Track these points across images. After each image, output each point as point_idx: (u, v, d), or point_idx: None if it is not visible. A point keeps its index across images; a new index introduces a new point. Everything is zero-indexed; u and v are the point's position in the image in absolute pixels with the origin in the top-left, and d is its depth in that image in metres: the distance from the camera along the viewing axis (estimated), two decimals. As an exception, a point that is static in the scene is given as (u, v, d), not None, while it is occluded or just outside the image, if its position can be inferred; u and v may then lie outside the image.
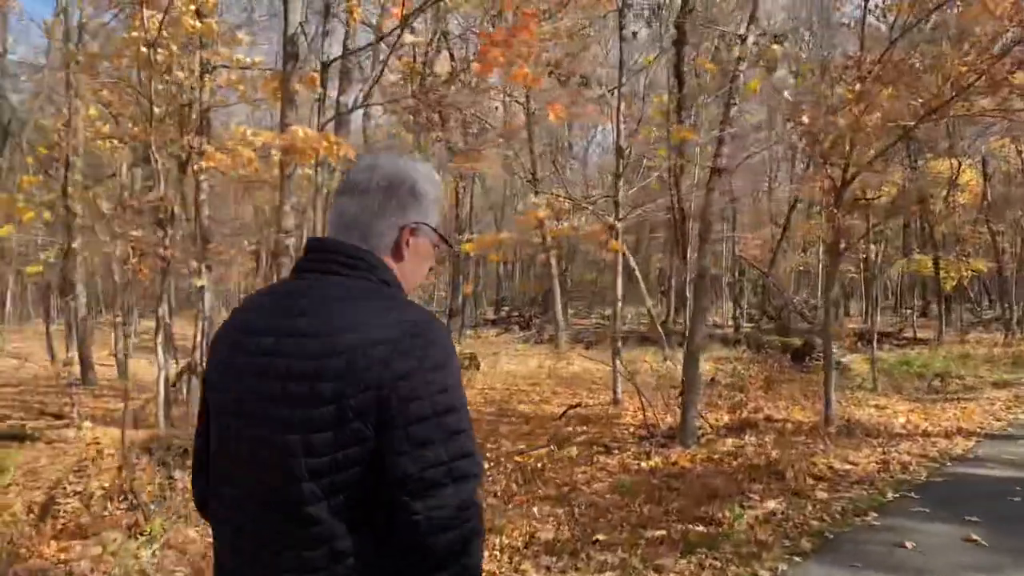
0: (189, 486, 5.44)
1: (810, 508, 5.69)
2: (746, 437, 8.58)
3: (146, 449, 5.71)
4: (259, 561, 1.29)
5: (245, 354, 1.33)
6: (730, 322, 27.00)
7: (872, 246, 23.67)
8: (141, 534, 4.67)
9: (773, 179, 30.63)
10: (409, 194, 1.42)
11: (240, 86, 9.31)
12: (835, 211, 8.01)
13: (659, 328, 15.59)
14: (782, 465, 6.83)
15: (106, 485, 5.40)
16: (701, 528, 5.35)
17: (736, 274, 28.14)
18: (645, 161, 14.96)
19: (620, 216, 11.36)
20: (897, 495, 5.95)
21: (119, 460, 5.44)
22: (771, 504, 5.84)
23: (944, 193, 22.26)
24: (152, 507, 4.96)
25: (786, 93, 7.64)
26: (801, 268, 32.12)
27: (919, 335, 21.94)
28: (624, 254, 13.15)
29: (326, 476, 1.23)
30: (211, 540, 1.48)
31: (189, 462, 5.76)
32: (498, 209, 35.49)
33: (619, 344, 11.58)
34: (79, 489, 5.52)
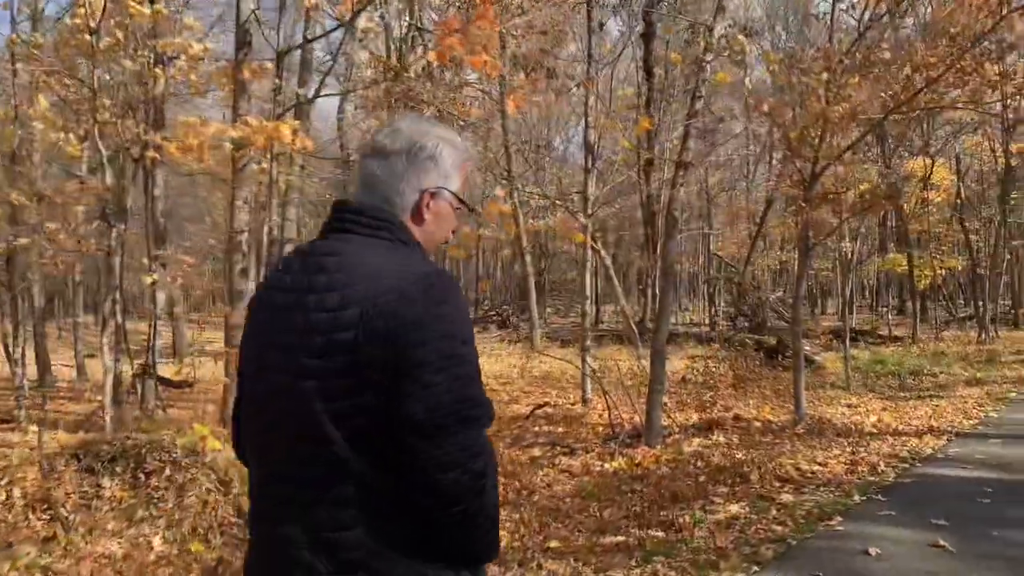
0: (117, 493, 5.10)
1: (774, 512, 5.46)
2: (713, 437, 8.36)
3: (75, 455, 5.38)
4: (295, 500, 1.34)
5: (270, 309, 1.42)
6: (707, 320, 26.87)
7: (847, 243, 23.64)
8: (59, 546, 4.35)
9: (750, 177, 30.61)
10: (429, 158, 1.48)
11: (192, 76, 8.96)
12: (803, 205, 7.81)
13: (633, 326, 15.38)
14: (748, 466, 6.62)
15: (30, 492, 5.07)
16: (661, 534, 5.11)
17: (712, 272, 28.02)
18: (620, 157, 14.75)
19: (589, 212, 11.12)
20: (864, 497, 5.74)
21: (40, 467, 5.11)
22: (734, 508, 5.61)
23: (918, 191, 22.27)
24: (73, 518, 4.63)
25: (747, 81, 7.39)
26: (778, 266, 32.10)
27: (894, 333, 21.89)
28: (599, 252, 12.92)
29: (348, 419, 1.29)
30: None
31: (119, 468, 5.41)
32: (477, 204, 35.18)
33: (588, 342, 11.35)
34: (2, 498, 5.18)
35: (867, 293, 39.78)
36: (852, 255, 24.14)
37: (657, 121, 10.34)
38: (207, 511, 4.89)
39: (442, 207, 1.51)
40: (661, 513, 5.56)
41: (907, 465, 6.78)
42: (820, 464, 6.88)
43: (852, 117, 7.39)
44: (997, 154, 22.65)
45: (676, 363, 16.52)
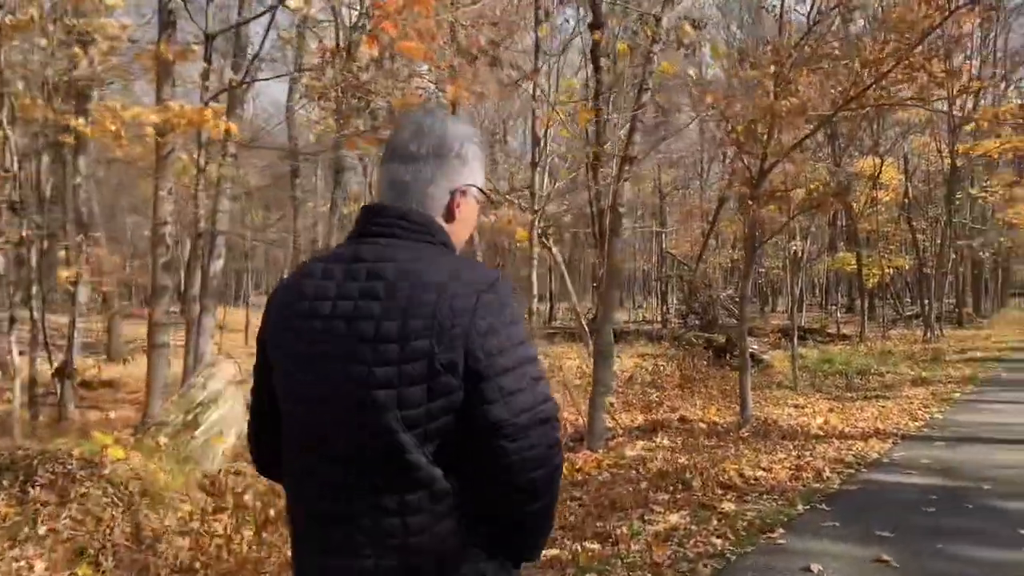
0: (2, 509, 4.62)
1: (715, 522, 5.21)
2: (658, 439, 8.14)
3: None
4: (354, 508, 1.35)
5: (320, 318, 1.38)
6: (659, 318, 26.84)
7: (797, 242, 23.76)
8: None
9: (704, 176, 30.68)
10: (457, 158, 1.47)
11: (113, 58, 8.45)
12: (750, 203, 7.60)
13: (584, 324, 15.16)
14: (690, 472, 6.37)
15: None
16: (596, 546, 4.81)
17: (664, 269, 28.00)
18: (568, 152, 14.51)
19: (536, 208, 10.81)
20: (808, 507, 5.52)
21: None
22: (674, 518, 5.35)
23: (867, 190, 22.46)
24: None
25: (691, 71, 7.15)
26: (730, 264, 32.26)
27: (843, 331, 22.06)
28: (549, 248, 12.63)
29: (420, 426, 1.31)
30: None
31: (6, 482, 4.93)
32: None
33: (535, 341, 11.04)
34: None
35: (817, 291, 40.29)
36: (803, 254, 24.33)
37: (606, 115, 10.05)
38: (101, 529, 4.46)
39: (471, 205, 1.52)
40: (598, 524, 5.27)
41: (852, 471, 6.61)
42: (764, 469, 6.67)
43: (801, 112, 7.20)
44: (944, 155, 22.95)
45: (626, 361, 16.36)
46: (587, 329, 14.66)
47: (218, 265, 9.84)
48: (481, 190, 1.53)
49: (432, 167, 1.45)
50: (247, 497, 5.39)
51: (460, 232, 1.51)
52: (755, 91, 7.18)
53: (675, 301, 29.58)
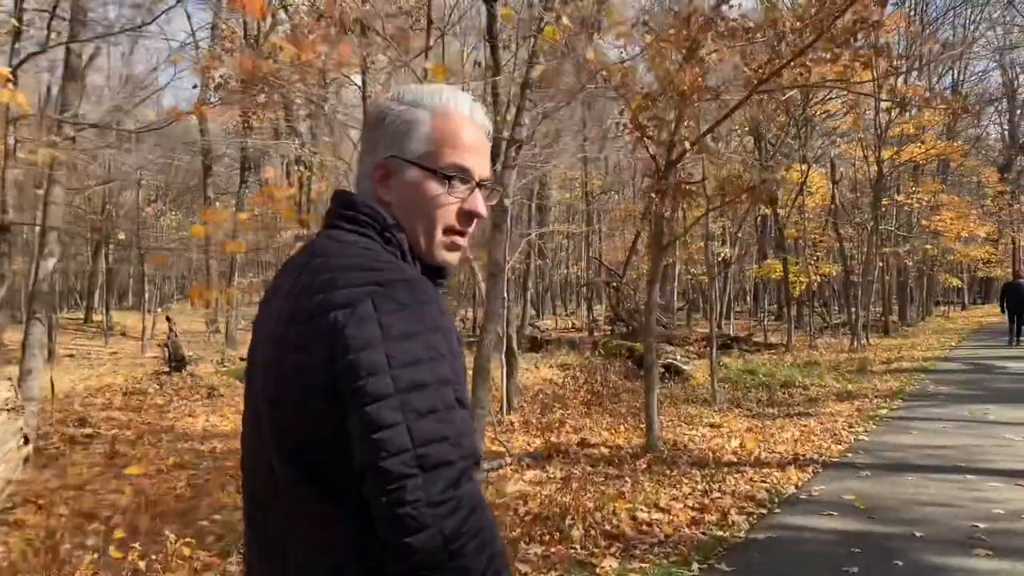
0: None
1: (588, 591, 4.12)
2: (550, 469, 7.04)
3: None
4: (268, 532, 1.17)
5: (257, 323, 1.25)
6: (584, 325, 25.93)
7: (723, 247, 23.12)
8: None
9: (635, 178, 30.00)
10: (382, 125, 1.23)
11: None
12: (653, 196, 6.57)
13: (498, 333, 14.07)
14: (572, 517, 5.26)
15: None
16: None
17: (591, 275, 27.12)
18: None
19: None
20: (705, 565, 4.45)
21: None
22: (540, 583, 4.24)
23: (793, 196, 21.96)
24: None
25: (589, 52, 6.09)
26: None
27: (771, 340, 21.44)
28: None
29: (300, 456, 1.09)
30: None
31: None
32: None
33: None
34: None
35: (748, 298, 40.04)
36: (731, 260, 23.70)
37: (507, 97, 8.95)
38: None
39: (406, 181, 1.21)
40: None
41: (764, 510, 5.59)
42: (663, 509, 5.60)
43: (706, 87, 6.19)
44: (870, 161, 22.61)
45: (544, 371, 15.31)
46: (502, 338, 13.57)
47: (49, 265, 8.37)
48: (418, 164, 1.20)
49: (367, 135, 1.27)
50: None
51: (403, 215, 1.21)
52: (655, 61, 6.16)
53: (604, 308, 28.75)
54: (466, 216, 1.23)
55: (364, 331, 1.03)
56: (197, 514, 5.65)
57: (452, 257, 1.25)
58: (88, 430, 8.90)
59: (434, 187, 1.20)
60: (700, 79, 5.84)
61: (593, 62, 6.05)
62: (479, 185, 1.23)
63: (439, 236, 1.22)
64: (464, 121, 1.23)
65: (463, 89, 1.51)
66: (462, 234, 1.24)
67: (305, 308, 1.08)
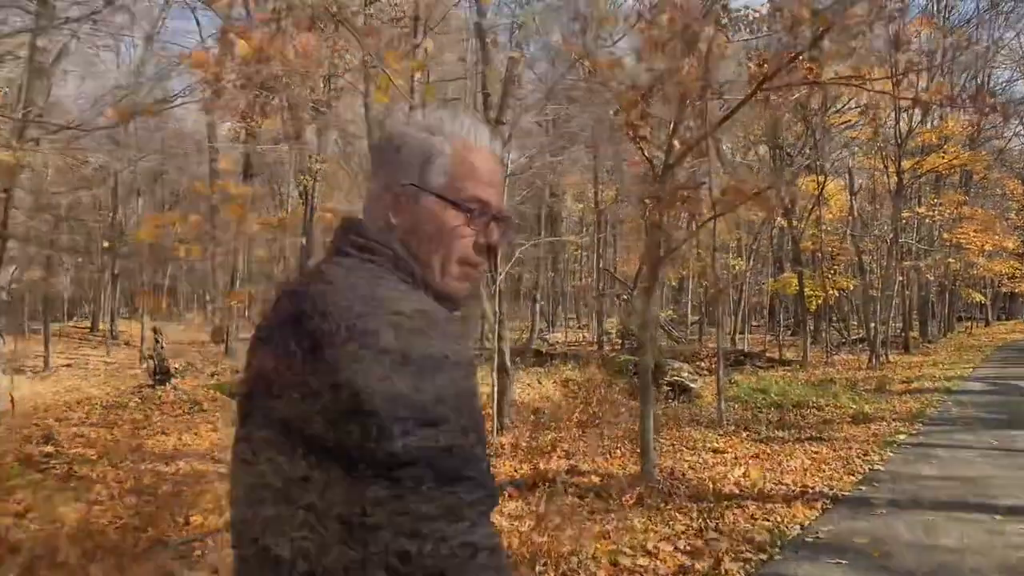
0: None
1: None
2: (534, 502, 6.44)
3: None
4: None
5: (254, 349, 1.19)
6: (595, 339, 25.29)
7: (737, 260, 22.42)
8: None
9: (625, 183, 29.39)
10: (393, 151, 1.22)
11: None
12: (647, 203, 5.99)
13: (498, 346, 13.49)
14: (544, 563, 4.67)
15: None
16: None
17: (602, 287, 26.48)
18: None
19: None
20: (689, 630, 3.85)
21: None
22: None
23: (810, 208, 21.27)
24: None
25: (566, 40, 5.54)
26: (676, 283, 30.91)
27: (786, 356, 20.72)
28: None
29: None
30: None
31: None
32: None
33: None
34: None
35: (765, 313, 39.22)
36: (747, 273, 23.03)
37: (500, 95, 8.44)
38: None
39: (422, 209, 1.19)
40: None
41: (764, 556, 4.96)
42: (649, 554, 4.99)
43: (716, 92, 5.62)
44: (890, 172, 21.88)
45: (547, 387, 14.73)
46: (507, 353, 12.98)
47: (6, 275, 7.90)
48: (439, 195, 1.18)
49: (376, 165, 1.25)
50: None
51: (417, 244, 1.18)
52: (650, 53, 5.60)
53: (616, 321, 28.08)
54: (482, 249, 1.22)
55: (381, 362, 1.00)
56: (135, 551, 5.11)
57: (464, 288, 1.23)
58: (49, 448, 8.41)
59: (453, 218, 1.19)
60: (701, 75, 5.27)
61: (573, 48, 5.49)
62: (495, 218, 1.22)
63: (454, 267, 1.20)
64: (483, 152, 1.23)
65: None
66: (476, 266, 1.22)
67: (316, 336, 1.02)
